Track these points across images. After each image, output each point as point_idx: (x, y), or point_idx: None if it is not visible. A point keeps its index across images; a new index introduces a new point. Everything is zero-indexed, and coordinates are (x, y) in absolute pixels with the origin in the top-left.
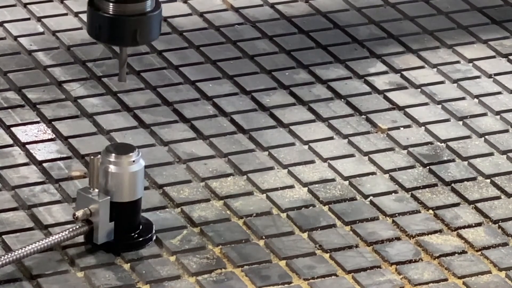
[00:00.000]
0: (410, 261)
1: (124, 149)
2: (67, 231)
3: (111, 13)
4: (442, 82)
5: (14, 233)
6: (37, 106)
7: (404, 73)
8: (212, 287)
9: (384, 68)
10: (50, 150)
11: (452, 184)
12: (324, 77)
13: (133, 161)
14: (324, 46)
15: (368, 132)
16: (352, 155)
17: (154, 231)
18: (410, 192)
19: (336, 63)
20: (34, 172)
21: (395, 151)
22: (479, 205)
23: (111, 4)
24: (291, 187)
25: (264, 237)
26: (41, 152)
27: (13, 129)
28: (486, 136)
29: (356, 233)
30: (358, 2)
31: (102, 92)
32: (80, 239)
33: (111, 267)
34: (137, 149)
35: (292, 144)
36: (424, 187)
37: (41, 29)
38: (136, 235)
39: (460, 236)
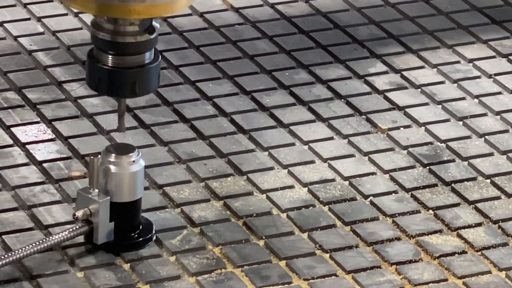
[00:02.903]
0: (410, 261)
1: (124, 149)
2: (67, 231)
3: (110, 65)
4: (442, 82)
5: (14, 233)
6: (37, 106)
7: (404, 73)
8: (212, 287)
9: (384, 68)
10: (50, 150)
11: (452, 184)
12: (324, 77)
13: (133, 161)
14: (324, 46)
15: (368, 132)
16: (352, 155)
17: (154, 231)
18: (410, 192)
19: (336, 63)
20: (34, 172)
21: (395, 151)
22: (479, 205)
23: (110, 56)
24: (291, 187)
25: (264, 237)
26: (41, 152)
27: (13, 129)
28: (486, 136)
29: (356, 233)
30: (358, 2)
31: None
32: (80, 239)
33: (111, 267)
34: (137, 149)
35: (292, 144)
36: (424, 187)
37: (41, 29)
38: (136, 235)
39: (460, 236)
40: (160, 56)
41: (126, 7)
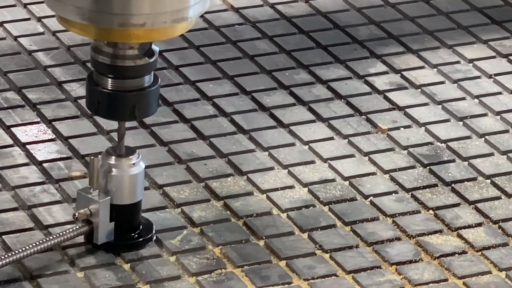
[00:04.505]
0: (410, 261)
1: (124, 152)
2: (67, 231)
3: (109, 88)
4: (442, 82)
5: (14, 233)
6: (37, 106)
7: (404, 73)
8: (212, 287)
9: (384, 68)
10: (50, 150)
11: (452, 185)
12: (324, 77)
13: (133, 164)
14: (324, 46)
15: (368, 133)
16: (352, 155)
17: (154, 231)
18: (410, 193)
19: (336, 63)
20: (34, 172)
21: (395, 152)
22: (479, 205)
23: (109, 79)
24: (291, 187)
25: (264, 237)
26: (41, 152)
27: (13, 129)
28: (486, 137)
29: (356, 233)
30: (358, 2)
31: None
32: (80, 239)
33: (111, 267)
34: (137, 152)
35: (292, 144)
36: (424, 187)
37: (41, 29)
38: (136, 236)
39: (460, 236)
40: (159, 79)
41: (126, 32)
